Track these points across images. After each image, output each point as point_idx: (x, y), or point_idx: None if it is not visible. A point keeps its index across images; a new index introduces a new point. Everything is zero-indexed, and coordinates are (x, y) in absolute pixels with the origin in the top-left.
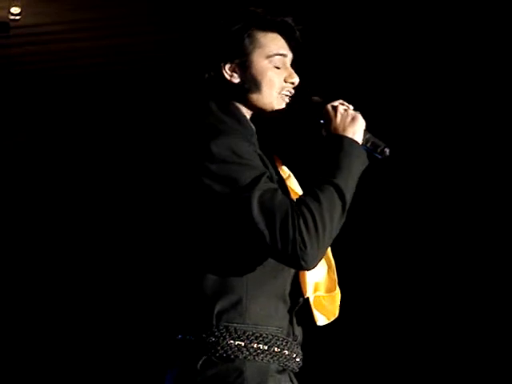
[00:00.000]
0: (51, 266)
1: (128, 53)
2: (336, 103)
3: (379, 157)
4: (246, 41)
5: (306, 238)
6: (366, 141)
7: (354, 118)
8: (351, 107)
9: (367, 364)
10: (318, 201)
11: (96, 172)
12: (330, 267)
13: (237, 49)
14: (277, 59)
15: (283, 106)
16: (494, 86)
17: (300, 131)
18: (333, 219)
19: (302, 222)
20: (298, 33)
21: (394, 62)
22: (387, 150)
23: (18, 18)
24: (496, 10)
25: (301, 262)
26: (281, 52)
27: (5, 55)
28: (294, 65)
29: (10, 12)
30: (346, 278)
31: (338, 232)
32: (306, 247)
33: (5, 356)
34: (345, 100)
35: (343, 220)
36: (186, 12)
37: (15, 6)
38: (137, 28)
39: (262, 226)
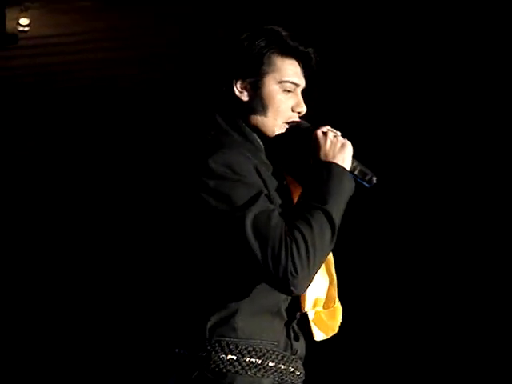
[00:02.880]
0: (56, 275)
1: (135, 66)
2: (325, 129)
3: (366, 185)
4: (265, 62)
5: (298, 263)
6: (353, 168)
7: (343, 145)
8: (339, 133)
9: (368, 373)
10: (310, 226)
11: (100, 182)
12: (331, 283)
13: (253, 68)
14: (288, 85)
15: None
16: (493, 89)
17: (288, 156)
18: (323, 245)
19: (294, 247)
20: (314, 63)
21: (392, 66)
22: (374, 179)
23: (26, 29)
24: (496, 10)
25: (291, 288)
26: (294, 81)
27: (13, 66)
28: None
29: (18, 23)
30: (345, 290)
31: (326, 258)
32: (297, 273)
33: (5, 356)
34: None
35: (332, 246)
36: (192, 27)
37: (24, 17)
38: (144, 40)
39: (255, 248)
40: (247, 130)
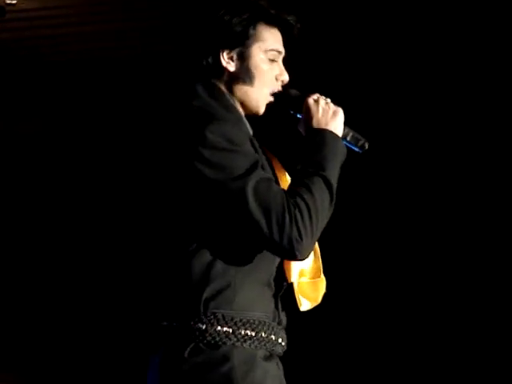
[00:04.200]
0: (40, 249)
1: (125, 38)
2: (315, 96)
3: (359, 151)
4: (251, 32)
5: (302, 229)
6: (345, 134)
7: (335, 112)
8: (329, 100)
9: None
10: (311, 193)
11: (88, 158)
12: (315, 254)
13: (240, 38)
14: (272, 54)
15: (267, 101)
16: (493, 86)
17: (275, 124)
18: (324, 210)
19: (298, 213)
20: (296, 31)
21: (392, 60)
22: (366, 144)
23: (14, 2)
24: (496, 10)
25: (295, 253)
26: (278, 49)
27: (1, 39)
28: (288, 63)
29: None
30: (337, 268)
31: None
32: (301, 239)
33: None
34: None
35: (331, 211)
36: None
37: None
38: (134, 13)
39: (258, 216)
40: (229, 100)
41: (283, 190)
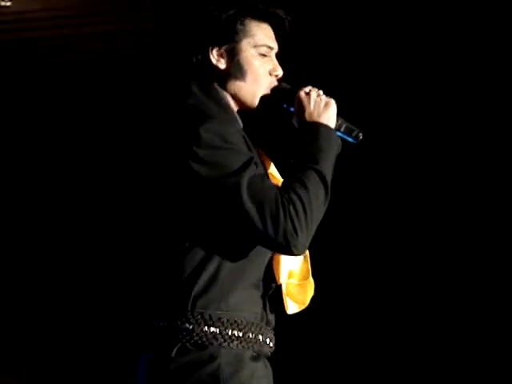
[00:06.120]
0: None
1: (118, 40)
2: (307, 89)
3: (353, 141)
4: (239, 28)
5: (297, 224)
6: (339, 126)
7: (327, 104)
8: (321, 92)
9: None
10: (305, 187)
11: (85, 156)
12: (304, 256)
13: (228, 35)
14: (262, 49)
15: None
16: (493, 86)
17: (268, 119)
18: (319, 205)
19: (292, 208)
20: (287, 24)
21: (385, 50)
22: (361, 135)
23: (8, 4)
24: (496, 10)
25: (292, 249)
26: (269, 44)
27: None
28: (283, 58)
29: None
30: (326, 271)
31: (322, 217)
32: (296, 234)
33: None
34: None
35: (326, 205)
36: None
37: None
38: (127, 15)
39: (252, 212)
40: (222, 97)
41: (277, 185)
